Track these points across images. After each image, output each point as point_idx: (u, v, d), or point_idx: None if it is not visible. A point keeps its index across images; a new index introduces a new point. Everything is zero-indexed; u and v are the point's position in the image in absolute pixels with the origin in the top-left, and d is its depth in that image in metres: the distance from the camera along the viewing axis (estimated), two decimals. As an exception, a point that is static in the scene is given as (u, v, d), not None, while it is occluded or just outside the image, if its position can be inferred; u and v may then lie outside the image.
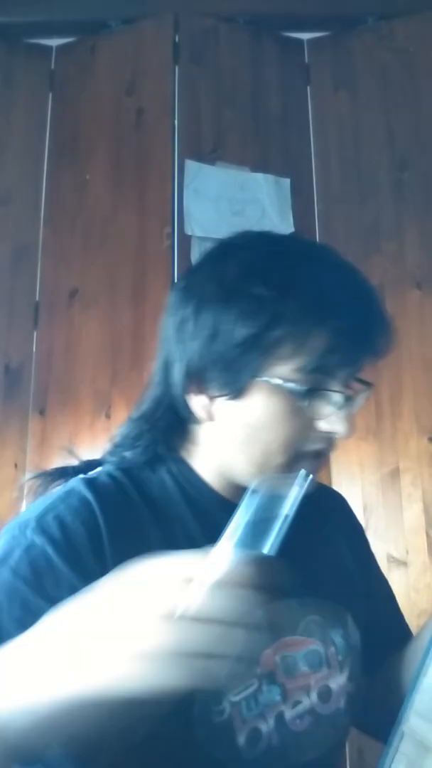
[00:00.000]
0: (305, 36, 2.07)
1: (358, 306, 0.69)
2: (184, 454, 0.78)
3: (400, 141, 1.93)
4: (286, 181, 1.94)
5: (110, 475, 0.74)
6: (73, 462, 0.82)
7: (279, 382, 0.67)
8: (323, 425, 0.69)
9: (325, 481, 1.69)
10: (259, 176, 1.93)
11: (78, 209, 1.91)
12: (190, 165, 1.90)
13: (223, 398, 0.70)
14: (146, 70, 1.99)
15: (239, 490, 0.66)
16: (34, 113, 2.00)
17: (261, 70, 2.02)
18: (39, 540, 0.65)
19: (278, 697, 0.69)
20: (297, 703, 0.70)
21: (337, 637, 0.75)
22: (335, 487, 1.69)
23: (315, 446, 0.70)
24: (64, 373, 1.77)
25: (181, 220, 1.85)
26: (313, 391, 0.67)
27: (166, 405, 0.75)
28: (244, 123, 1.97)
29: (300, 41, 2.07)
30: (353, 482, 1.69)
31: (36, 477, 0.81)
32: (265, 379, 0.67)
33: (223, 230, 1.85)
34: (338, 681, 0.74)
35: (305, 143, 2.00)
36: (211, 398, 0.71)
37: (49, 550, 0.64)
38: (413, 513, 1.65)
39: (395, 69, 1.99)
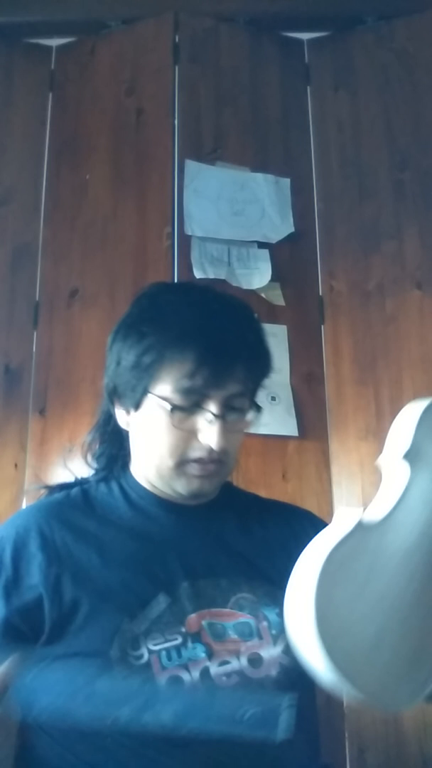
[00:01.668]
0: (305, 36, 2.07)
1: (215, 339, 0.86)
2: (130, 465, 0.97)
3: (400, 141, 1.93)
4: (286, 181, 1.94)
5: (66, 493, 0.97)
6: (72, 474, 1.03)
7: (159, 398, 0.86)
8: (200, 437, 0.86)
9: (325, 482, 1.70)
10: (259, 176, 1.93)
11: (78, 209, 1.91)
12: (190, 165, 1.90)
13: (131, 411, 0.91)
14: (146, 70, 1.99)
15: (171, 489, 0.91)
16: (34, 113, 2.00)
17: (261, 70, 2.02)
18: None
19: (203, 654, 0.81)
20: (224, 662, 0.81)
21: (271, 614, 0.86)
22: (335, 487, 1.70)
23: (196, 454, 0.86)
24: (64, 373, 1.77)
25: (181, 220, 1.85)
26: (183, 408, 0.85)
27: (109, 415, 0.96)
28: (244, 123, 1.97)
29: (300, 41, 2.07)
30: (353, 482, 1.69)
31: (40, 488, 1.03)
32: (152, 395, 0.87)
33: (223, 230, 1.88)
34: (270, 652, 0.84)
35: (305, 143, 1.99)
36: (126, 411, 0.92)
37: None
38: (413, 513, 1.65)
39: (395, 69, 1.98)
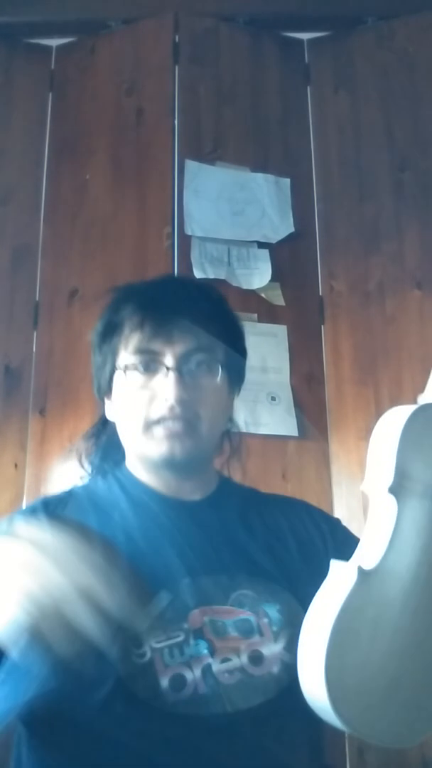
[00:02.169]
0: (305, 36, 2.07)
1: (155, 292, 0.95)
2: (125, 461, 0.97)
3: (400, 141, 1.93)
4: (286, 181, 1.94)
5: (69, 492, 0.96)
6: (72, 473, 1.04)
7: (121, 369, 0.90)
8: (159, 394, 0.88)
9: (325, 481, 1.69)
10: (259, 176, 1.93)
11: (78, 209, 1.91)
12: (190, 165, 1.90)
13: (110, 396, 0.95)
14: (146, 70, 1.99)
15: (167, 480, 0.93)
16: (34, 113, 2.00)
17: (261, 70, 2.02)
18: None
19: (205, 651, 0.80)
20: (226, 660, 0.80)
21: (272, 611, 0.85)
22: (335, 487, 1.70)
23: (159, 413, 0.87)
24: (64, 373, 1.77)
25: (181, 220, 1.85)
26: (140, 367, 0.89)
27: (105, 419, 1.00)
28: (244, 123, 1.97)
29: (300, 41, 2.07)
30: (353, 482, 1.69)
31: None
32: (117, 370, 0.91)
33: (223, 230, 1.88)
34: (272, 649, 0.83)
35: (305, 143, 1.99)
36: (109, 399, 0.96)
37: None
38: (413, 513, 1.65)
39: (395, 69, 1.98)
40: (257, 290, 1.82)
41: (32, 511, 0.92)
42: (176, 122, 1.93)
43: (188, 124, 1.94)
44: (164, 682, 0.77)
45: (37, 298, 1.86)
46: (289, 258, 1.88)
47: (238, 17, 2.03)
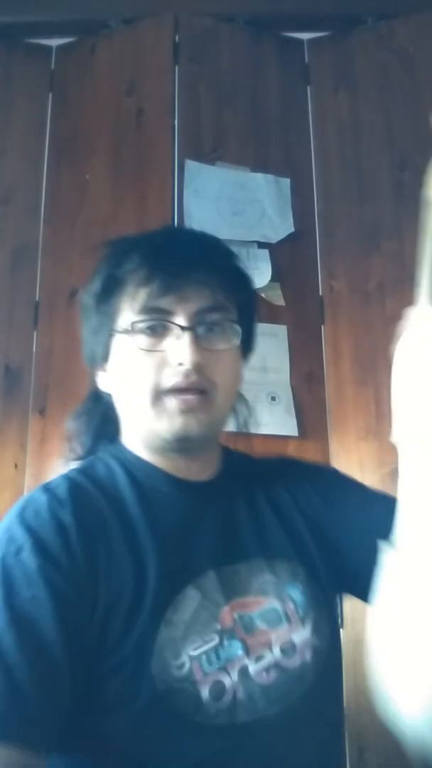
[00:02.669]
0: (305, 36, 2.06)
1: (165, 243, 0.83)
2: (122, 438, 0.86)
3: (400, 141, 1.93)
4: (286, 181, 1.94)
5: (68, 478, 0.80)
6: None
7: (123, 331, 0.79)
8: (171, 359, 0.76)
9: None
10: (259, 176, 1.93)
11: (78, 209, 1.91)
12: (190, 165, 1.90)
13: (105, 365, 0.83)
14: (146, 70, 1.99)
15: (174, 460, 0.81)
16: (34, 113, 2.00)
17: (261, 70, 2.02)
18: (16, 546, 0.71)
19: (240, 652, 0.73)
20: (260, 657, 0.74)
21: (296, 593, 0.79)
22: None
23: (171, 381, 0.76)
24: (64, 373, 1.77)
25: (181, 220, 1.85)
26: (147, 327, 0.77)
27: (96, 393, 0.88)
28: (244, 123, 1.97)
29: (300, 41, 2.06)
30: (353, 482, 1.69)
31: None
32: (116, 331, 0.80)
33: (223, 230, 1.88)
34: (301, 635, 0.77)
35: (305, 143, 1.99)
36: (103, 369, 0.84)
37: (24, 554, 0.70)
38: (413, 513, 1.65)
39: (395, 69, 1.98)
40: (257, 290, 1.82)
41: (35, 514, 0.74)
42: (176, 122, 1.93)
43: (188, 124, 1.94)
44: (205, 693, 0.70)
45: (37, 298, 1.86)
46: (289, 258, 1.88)
47: (238, 17, 2.03)
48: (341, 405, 1.77)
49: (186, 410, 0.76)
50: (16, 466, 1.72)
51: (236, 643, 0.73)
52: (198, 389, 0.77)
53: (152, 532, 0.76)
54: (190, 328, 0.77)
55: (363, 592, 0.79)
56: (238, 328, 0.81)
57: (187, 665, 0.70)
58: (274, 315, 1.81)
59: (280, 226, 1.89)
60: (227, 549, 0.79)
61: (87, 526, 0.73)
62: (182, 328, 0.76)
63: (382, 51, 2.00)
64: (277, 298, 1.83)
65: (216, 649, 0.72)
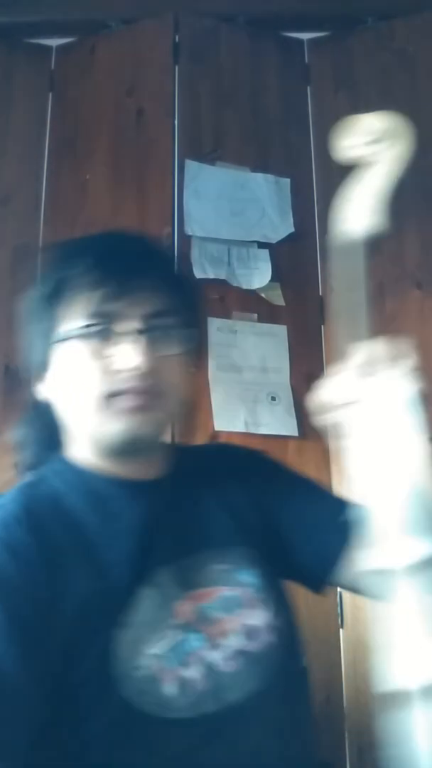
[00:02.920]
0: (305, 36, 2.07)
1: (112, 246, 0.82)
2: (68, 448, 0.84)
3: (400, 141, 1.93)
4: (286, 181, 1.94)
5: (19, 492, 0.80)
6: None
7: (71, 333, 0.77)
8: (122, 363, 0.75)
9: (325, 481, 1.69)
10: (259, 176, 1.93)
11: (78, 209, 1.91)
12: (190, 165, 1.90)
13: (44, 373, 0.82)
14: (146, 70, 1.99)
15: (121, 462, 0.80)
16: (34, 113, 2.00)
17: (261, 70, 2.02)
18: None
19: (200, 643, 0.73)
20: (222, 646, 0.74)
21: (251, 578, 0.80)
22: (335, 487, 1.69)
23: (117, 387, 0.75)
24: (64, 373, 1.77)
25: (181, 220, 1.85)
26: (94, 330, 0.75)
27: (36, 404, 0.85)
28: (244, 123, 1.97)
29: (300, 41, 2.07)
30: (353, 482, 1.69)
31: None
32: (61, 337, 0.78)
33: (223, 230, 1.88)
34: (263, 617, 0.78)
35: (305, 143, 1.99)
36: (42, 378, 0.82)
37: None
38: (413, 513, 1.65)
39: (395, 69, 1.98)
40: (257, 290, 1.82)
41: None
42: (176, 122, 1.93)
43: (188, 124, 1.94)
44: (169, 689, 0.70)
45: (37, 298, 1.86)
46: (289, 258, 1.88)
47: (238, 17, 2.03)
48: (341, 405, 1.77)
49: (136, 410, 0.76)
50: (16, 466, 1.71)
51: (196, 635, 0.74)
52: (151, 392, 0.76)
53: (106, 538, 0.76)
54: (142, 332, 0.76)
55: (310, 581, 0.89)
56: (188, 332, 0.81)
57: (149, 665, 0.70)
58: (274, 315, 1.81)
59: (280, 226, 1.90)
60: (180, 544, 0.80)
61: (40, 541, 0.72)
62: (134, 331, 0.75)
63: (382, 51, 2.00)
64: (277, 298, 1.83)
65: (176, 645, 0.72)
